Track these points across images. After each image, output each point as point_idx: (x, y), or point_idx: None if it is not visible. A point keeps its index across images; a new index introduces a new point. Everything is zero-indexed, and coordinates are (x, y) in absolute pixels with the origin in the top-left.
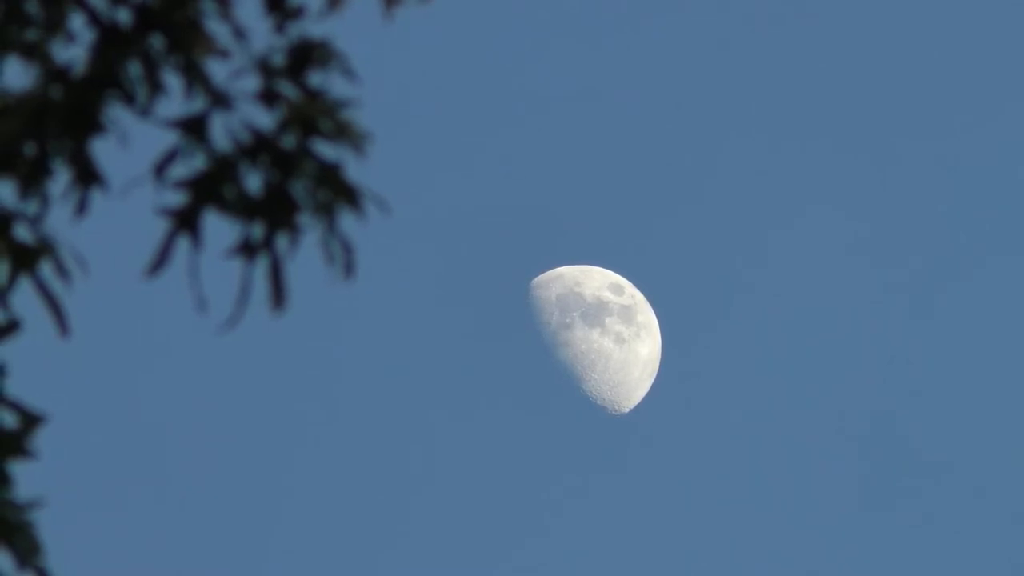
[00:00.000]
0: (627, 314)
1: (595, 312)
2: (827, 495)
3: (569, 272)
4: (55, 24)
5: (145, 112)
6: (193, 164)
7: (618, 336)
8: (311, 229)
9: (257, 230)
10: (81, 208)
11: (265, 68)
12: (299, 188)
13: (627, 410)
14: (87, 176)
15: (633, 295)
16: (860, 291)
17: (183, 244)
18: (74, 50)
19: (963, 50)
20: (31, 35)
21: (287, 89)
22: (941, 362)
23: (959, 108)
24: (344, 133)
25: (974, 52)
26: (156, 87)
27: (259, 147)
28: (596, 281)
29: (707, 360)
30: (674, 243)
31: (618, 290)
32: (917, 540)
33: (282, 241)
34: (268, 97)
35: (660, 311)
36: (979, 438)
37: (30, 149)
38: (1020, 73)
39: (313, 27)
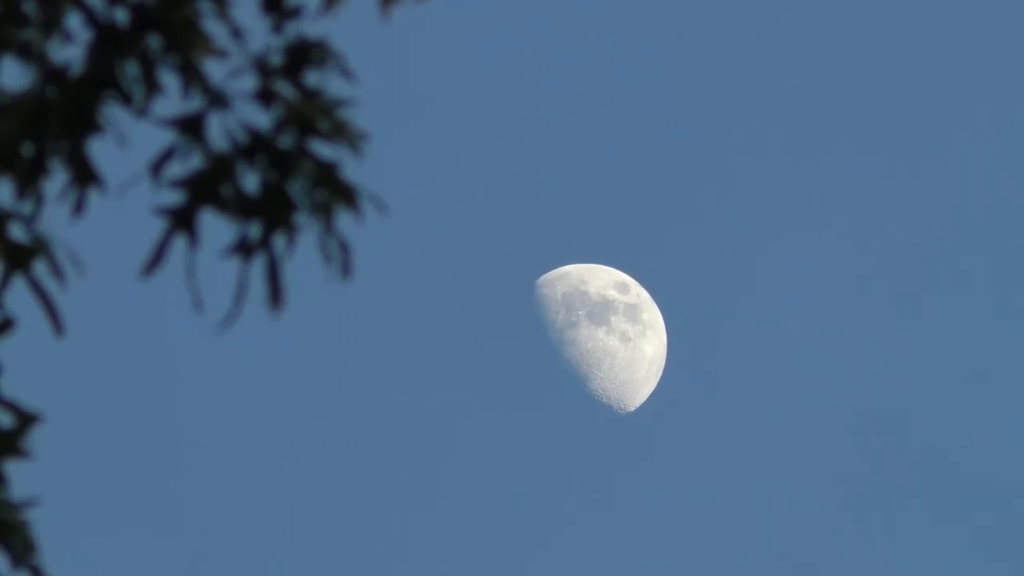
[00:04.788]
0: (633, 312)
1: (601, 310)
2: (832, 493)
3: (575, 270)
4: (52, 24)
5: (142, 112)
6: (190, 163)
7: (624, 334)
8: (308, 229)
9: (254, 229)
10: (78, 208)
11: (262, 68)
12: (296, 188)
13: (633, 408)
14: (84, 176)
15: (638, 293)
16: (864, 291)
17: (180, 243)
18: (71, 50)
19: (963, 57)
20: (28, 35)
21: (284, 89)
22: (946, 363)
23: (961, 113)
24: (341, 133)
25: (973, 59)
26: (153, 87)
27: (256, 147)
28: (602, 279)
29: (712, 358)
30: (679, 242)
31: (623, 288)
32: (920, 540)
33: (279, 241)
34: (265, 97)
35: (665, 309)
36: (981, 439)
37: (28, 149)
38: (1020, 74)
39: (310, 27)
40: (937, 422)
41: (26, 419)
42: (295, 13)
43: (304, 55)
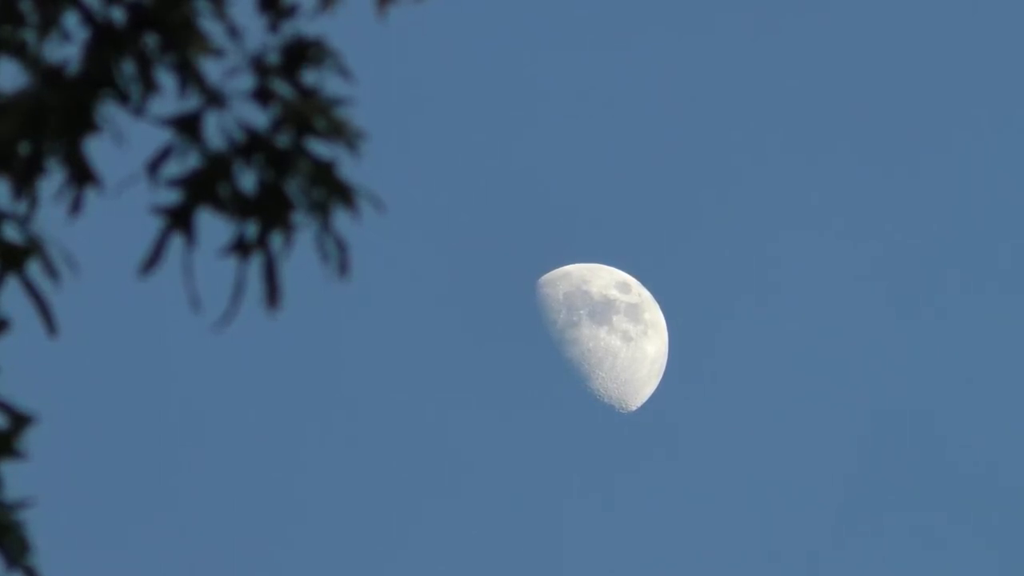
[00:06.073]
0: (634, 312)
1: (602, 310)
2: (833, 493)
3: (576, 270)
4: (49, 23)
5: (139, 111)
6: (187, 162)
7: (625, 334)
8: (306, 227)
9: (251, 228)
10: (75, 207)
11: (259, 67)
12: (294, 186)
13: (634, 408)
14: (82, 175)
15: (640, 293)
16: (865, 291)
17: (177, 242)
18: (68, 49)
19: (962, 57)
20: (25, 34)
21: (281, 88)
22: (946, 363)
23: (960, 113)
24: (339, 131)
25: (972, 59)
26: (150, 86)
27: (253, 145)
28: (603, 279)
29: (713, 358)
30: (681, 241)
31: (625, 288)
32: (921, 540)
33: (277, 239)
34: (262, 95)
35: (667, 309)
36: (981, 439)
37: (25, 148)
38: (1020, 74)
39: (307, 25)
40: (937, 422)
41: (20, 420)
42: (292, 12)
43: (301, 54)
